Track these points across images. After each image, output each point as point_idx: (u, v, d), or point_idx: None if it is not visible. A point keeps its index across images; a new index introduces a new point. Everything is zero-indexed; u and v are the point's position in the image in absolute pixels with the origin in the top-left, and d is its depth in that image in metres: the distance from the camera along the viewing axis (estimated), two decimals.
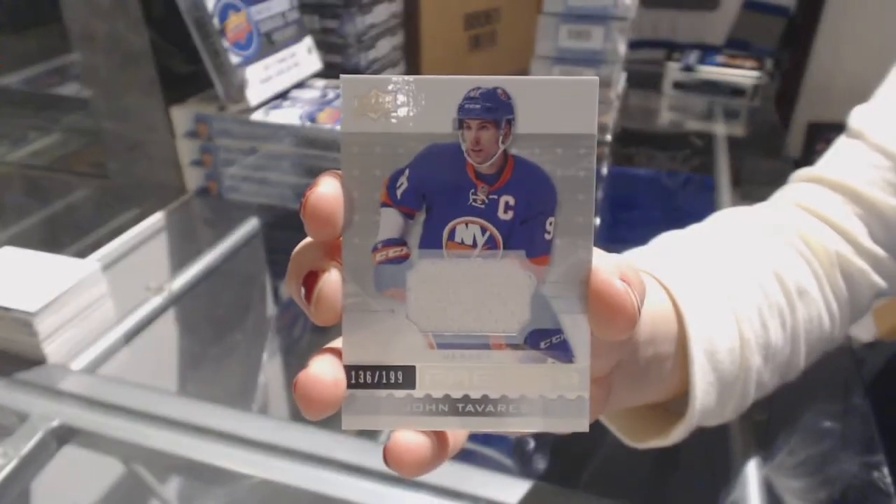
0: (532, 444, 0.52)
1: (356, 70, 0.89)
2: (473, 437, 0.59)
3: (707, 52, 1.18)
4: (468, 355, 0.19)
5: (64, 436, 0.46)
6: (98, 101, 0.76)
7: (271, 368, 0.66)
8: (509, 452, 0.53)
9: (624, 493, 0.48)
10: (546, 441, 0.52)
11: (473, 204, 0.18)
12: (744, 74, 1.09)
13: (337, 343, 0.20)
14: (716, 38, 1.31)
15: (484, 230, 0.19)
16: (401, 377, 0.19)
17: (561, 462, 0.51)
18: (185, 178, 0.78)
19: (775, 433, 0.49)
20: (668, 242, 0.39)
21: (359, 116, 0.18)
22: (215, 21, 0.67)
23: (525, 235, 0.19)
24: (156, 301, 0.61)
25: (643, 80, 1.13)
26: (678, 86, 1.12)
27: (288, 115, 0.71)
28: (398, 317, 0.19)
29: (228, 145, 0.74)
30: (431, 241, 0.19)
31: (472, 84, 0.18)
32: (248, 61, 0.70)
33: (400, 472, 0.19)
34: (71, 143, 0.92)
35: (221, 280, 0.69)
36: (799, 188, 0.44)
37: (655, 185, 0.86)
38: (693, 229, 0.41)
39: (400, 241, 0.19)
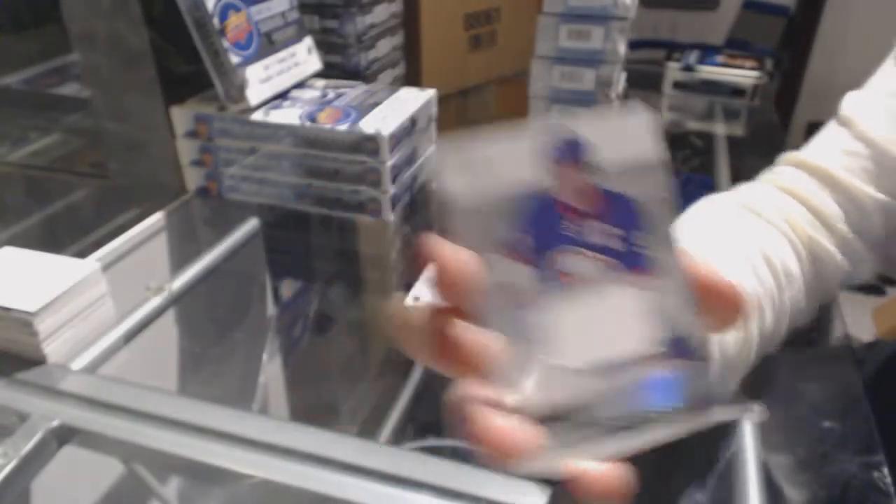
0: None
1: (356, 70, 0.89)
2: None
3: (707, 52, 1.18)
4: (620, 377, 0.20)
5: (64, 436, 0.46)
6: (98, 101, 0.76)
7: (271, 368, 0.66)
8: None
9: None
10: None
11: (578, 238, 0.20)
12: (744, 74, 1.09)
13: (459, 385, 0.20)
14: (716, 38, 1.31)
15: (594, 260, 0.20)
16: (569, 414, 0.20)
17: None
18: (185, 178, 0.78)
19: (775, 433, 0.49)
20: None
21: (461, 178, 0.19)
22: (215, 21, 0.67)
23: (629, 257, 0.20)
24: (156, 301, 0.61)
25: (643, 80, 1.13)
26: (678, 86, 1.12)
27: (288, 115, 0.71)
28: (550, 359, 0.20)
29: (228, 145, 0.74)
30: (552, 280, 0.20)
31: (552, 132, 0.20)
32: (248, 61, 0.70)
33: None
34: (71, 144, 0.92)
35: (221, 280, 0.69)
36: (783, 171, 0.46)
37: None
38: (683, 219, 0.43)
39: (525, 288, 0.19)
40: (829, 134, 0.46)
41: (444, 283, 0.20)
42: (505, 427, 0.19)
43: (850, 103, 0.46)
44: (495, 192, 0.19)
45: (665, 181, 0.20)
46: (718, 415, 0.21)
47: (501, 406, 0.20)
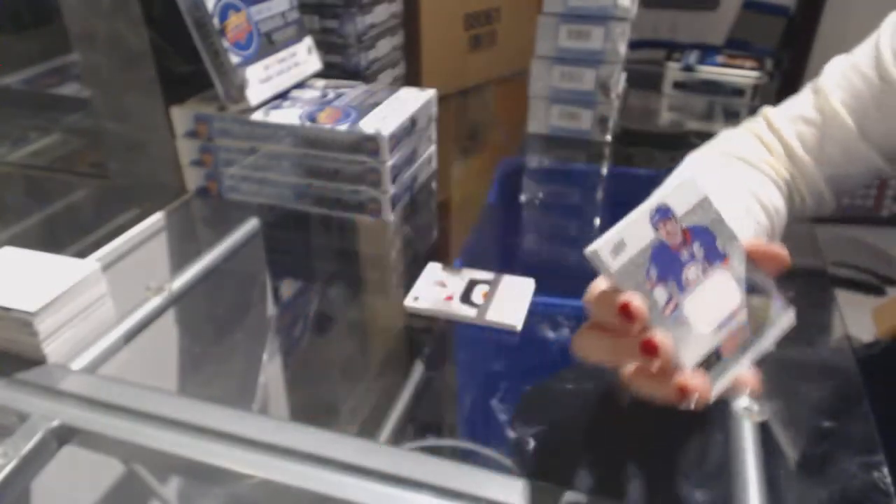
0: (532, 443, 0.52)
1: (356, 70, 0.89)
2: (474, 437, 0.59)
3: (707, 52, 1.18)
4: (733, 324, 0.36)
5: (64, 436, 0.46)
6: (98, 101, 0.76)
7: (271, 368, 0.66)
8: (509, 452, 0.53)
9: (623, 493, 0.48)
10: (547, 441, 0.52)
11: (686, 259, 0.34)
12: (744, 74, 1.09)
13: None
14: (716, 38, 1.31)
15: (699, 266, 0.35)
16: (713, 356, 0.35)
17: (561, 462, 0.51)
18: (185, 178, 0.78)
19: (775, 433, 0.49)
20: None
21: (614, 258, 0.32)
22: (215, 21, 0.67)
23: (713, 255, 0.35)
24: (156, 301, 0.61)
25: (643, 80, 1.13)
26: (678, 86, 1.12)
27: (288, 115, 0.71)
28: (693, 330, 0.34)
29: (228, 145, 0.74)
30: (683, 287, 0.34)
31: (651, 209, 0.33)
32: (248, 61, 0.70)
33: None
34: (71, 144, 0.92)
35: (221, 280, 0.69)
36: (758, 123, 0.56)
37: (655, 185, 0.86)
38: (679, 174, 0.54)
39: (671, 299, 0.34)
40: (801, 98, 0.56)
41: (629, 315, 0.32)
42: (690, 379, 0.33)
43: (828, 71, 0.55)
44: (636, 256, 0.33)
45: (715, 209, 0.36)
46: (785, 324, 0.37)
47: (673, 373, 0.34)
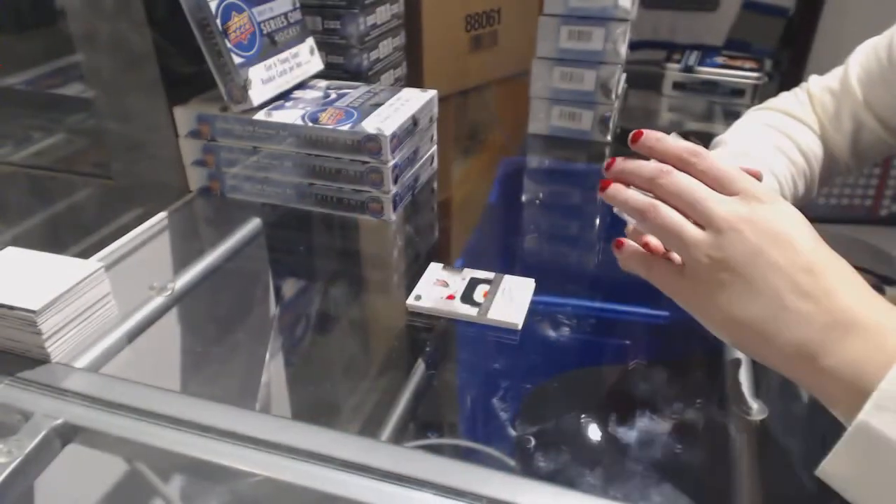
0: (533, 442, 0.53)
1: (358, 70, 0.89)
2: (475, 436, 0.59)
3: (707, 52, 1.18)
4: None
5: (67, 434, 0.46)
6: (101, 101, 0.76)
7: (273, 367, 0.66)
8: (511, 451, 0.53)
9: (624, 493, 0.48)
10: (548, 440, 0.53)
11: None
12: (743, 75, 1.09)
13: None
14: (715, 38, 1.31)
15: None
16: None
17: (562, 461, 0.52)
18: (187, 177, 0.78)
19: (775, 433, 0.49)
20: (727, 140, 0.63)
21: None
22: (218, 22, 0.67)
23: None
24: (159, 300, 0.61)
25: (643, 80, 1.14)
26: (678, 86, 1.12)
27: (290, 116, 0.71)
28: None
29: (231, 145, 0.74)
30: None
31: None
32: (251, 62, 0.70)
33: None
34: (74, 144, 0.92)
35: (224, 279, 0.69)
36: (802, 88, 0.68)
37: None
38: (736, 130, 0.66)
39: None
40: (836, 70, 0.65)
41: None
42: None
43: (858, 48, 0.62)
44: None
45: None
46: None
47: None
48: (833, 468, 0.34)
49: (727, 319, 0.37)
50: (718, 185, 0.39)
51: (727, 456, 0.46)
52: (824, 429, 0.51)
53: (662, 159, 0.41)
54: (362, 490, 0.40)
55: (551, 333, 0.61)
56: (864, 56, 0.61)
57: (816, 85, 0.66)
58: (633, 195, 0.41)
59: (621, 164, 0.42)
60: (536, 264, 0.75)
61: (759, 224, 0.37)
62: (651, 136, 0.42)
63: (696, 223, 0.38)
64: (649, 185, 0.41)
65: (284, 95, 0.76)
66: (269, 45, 0.73)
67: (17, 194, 0.88)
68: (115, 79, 0.74)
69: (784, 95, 0.68)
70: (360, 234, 0.78)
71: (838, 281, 0.36)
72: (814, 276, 0.35)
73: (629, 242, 0.44)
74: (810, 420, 0.52)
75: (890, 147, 0.61)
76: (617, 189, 0.42)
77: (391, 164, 0.69)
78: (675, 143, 0.41)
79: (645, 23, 1.30)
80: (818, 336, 0.35)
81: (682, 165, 0.40)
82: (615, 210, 0.43)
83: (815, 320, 0.35)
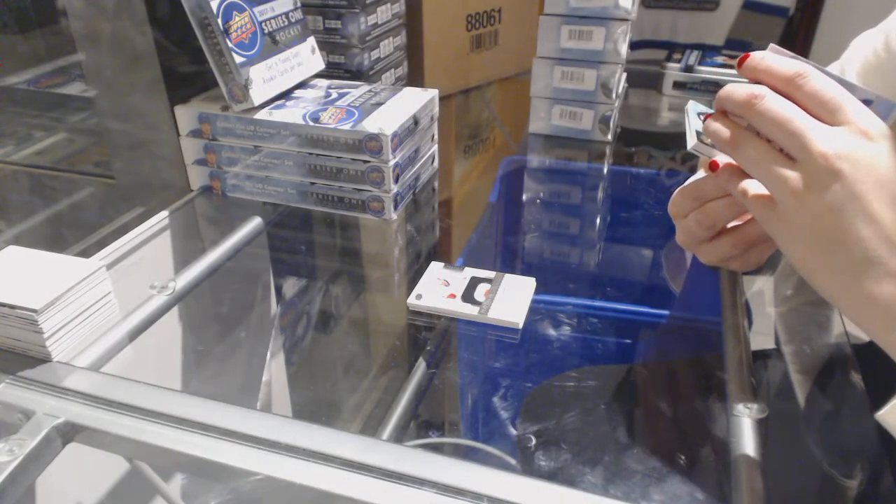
0: (534, 441, 0.53)
1: (359, 70, 0.89)
2: (476, 434, 0.59)
3: (707, 52, 1.18)
4: None
5: (69, 433, 0.46)
6: (102, 100, 0.76)
7: (274, 366, 0.66)
8: (512, 450, 0.53)
9: (624, 491, 0.48)
10: (549, 439, 0.53)
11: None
12: None
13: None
14: (715, 38, 1.31)
15: None
16: None
17: (564, 461, 0.52)
18: (188, 177, 0.78)
19: (775, 433, 0.49)
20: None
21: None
22: (219, 21, 0.67)
23: None
24: (160, 299, 0.61)
25: (643, 80, 1.14)
26: (678, 86, 1.12)
27: (291, 115, 0.71)
28: None
29: (232, 144, 0.74)
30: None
31: None
32: (252, 61, 0.70)
33: None
34: (75, 143, 0.92)
35: (225, 278, 0.69)
36: None
37: (655, 185, 0.86)
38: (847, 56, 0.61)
39: None
40: (842, 57, 0.62)
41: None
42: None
43: (862, 35, 0.60)
44: None
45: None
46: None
47: None
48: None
49: (808, 265, 0.35)
50: (825, 112, 0.35)
51: (727, 456, 0.46)
52: (824, 429, 0.51)
53: (768, 82, 0.37)
54: (363, 489, 0.40)
55: (552, 332, 0.61)
56: (860, 49, 0.61)
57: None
58: (719, 128, 0.38)
59: (756, 60, 0.38)
60: (537, 263, 0.75)
61: (862, 165, 0.32)
62: (756, 56, 0.37)
63: (790, 156, 0.35)
64: (743, 111, 0.37)
65: (285, 95, 0.76)
66: (271, 44, 0.73)
67: (19, 193, 0.88)
68: (117, 78, 0.74)
69: None
70: (361, 234, 0.79)
71: None
72: None
73: (728, 159, 0.40)
74: (810, 420, 0.52)
75: None
76: (708, 123, 0.39)
77: (392, 163, 0.69)
78: (777, 62, 0.37)
79: (645, 22, 1.30)
80: None
81: (789, 89, 0.36)
82: (690, 146, 0.40)
83: None
